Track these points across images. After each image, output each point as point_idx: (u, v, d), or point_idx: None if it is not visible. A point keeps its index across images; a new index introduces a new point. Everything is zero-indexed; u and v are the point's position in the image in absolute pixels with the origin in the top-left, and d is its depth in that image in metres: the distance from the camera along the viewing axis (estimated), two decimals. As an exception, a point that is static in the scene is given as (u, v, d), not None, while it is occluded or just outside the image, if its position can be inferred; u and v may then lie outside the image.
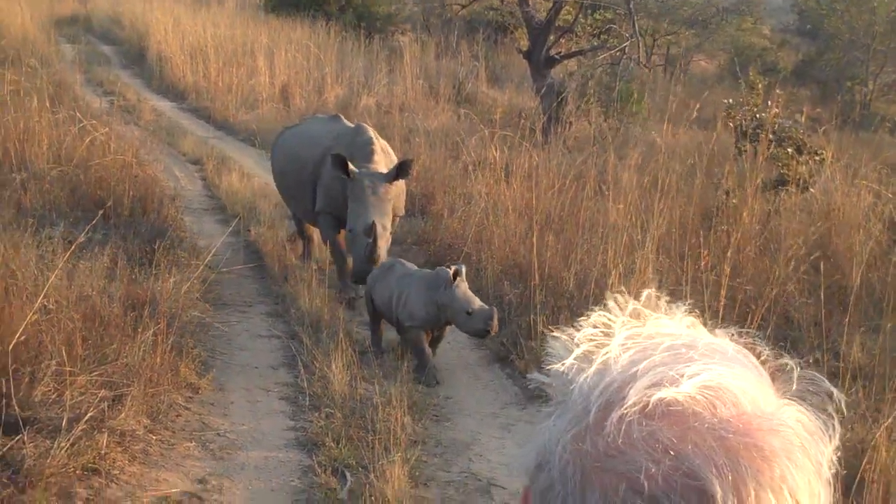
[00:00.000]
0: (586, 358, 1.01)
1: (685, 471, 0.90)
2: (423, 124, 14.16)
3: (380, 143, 8.90)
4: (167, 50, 20.19)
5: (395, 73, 18.38)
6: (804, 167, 10.84)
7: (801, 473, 0.93)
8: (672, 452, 0.91)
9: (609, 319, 1.05)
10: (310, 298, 8.19)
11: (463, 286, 7.13)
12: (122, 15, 25.65)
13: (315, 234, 9.72)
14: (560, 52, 17.32)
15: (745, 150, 11.20)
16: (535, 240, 8.42)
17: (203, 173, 13.07)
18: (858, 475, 5.29)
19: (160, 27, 21.33)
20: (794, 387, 1.01)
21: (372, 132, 8.91)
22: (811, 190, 10.62)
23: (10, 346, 5.58)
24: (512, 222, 9.42)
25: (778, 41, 29.50)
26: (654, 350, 0.99)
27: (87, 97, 15.06)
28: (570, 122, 14.17)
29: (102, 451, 5.50)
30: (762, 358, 1.04)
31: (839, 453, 0.98)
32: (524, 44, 19.37)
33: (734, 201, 9.39)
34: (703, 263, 7.96)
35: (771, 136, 10.87)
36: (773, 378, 1.02)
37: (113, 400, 5.94)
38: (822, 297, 7.29)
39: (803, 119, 12.20)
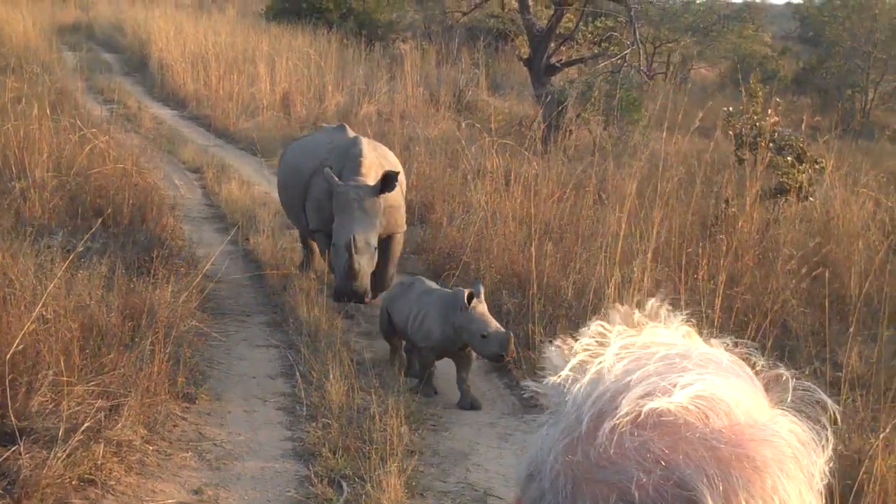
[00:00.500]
0: (581, 367, 1.00)
1: (676, 481, 0.89)
2: (424, 132, 14.18)
3: (374, 154, 8.64)
4: (168, 57, 20.23)
5: (396, 80, 18.40)
6: (804, 176, 10.85)
7: (792, 484, 0.92)
8: (663, 463, 0.90)
9: (605, 329, 1.04)
10: (308, 308, 8.16)
11: (481, 308, 6.90)
12: (125, 22, 25.69)
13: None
14: (561, 60, 17.39)
15: (745, 159, 11.20)
16: (533, 249, 8.41)
17: (203, 181, 13.07)
18: (856, 485, 5.28)
19: (162, 35, 21.37)
20: (789, 397, 1.00)
21: (365, 145, 8.64)
22: (811, 199, 10.62)
23: (8, 356, 5.58)
24: (511, 231, 9.41)
25: (779, 49, 29.56)
26: (649, 360, 0.98)
27: (88, 105, 15.09)
28: (571, 131, 14.17)
29: (99, 462, 5.50)
30: (757, 368, 1.03)
31: (832, 464, 0.97)
32: (525, 51, 19.43)
33: (733, 210, 9.39)
34: (701, 273, 7.96)
35: (770, 144, 10.87)
36: (768, 388, 1.01)
37: (110, 410, 5.93)
38: (826, 305, 7.28)
39: (803, 127, 12.20)
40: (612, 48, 18.26)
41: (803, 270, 8.17)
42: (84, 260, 7.65)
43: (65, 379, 5.79)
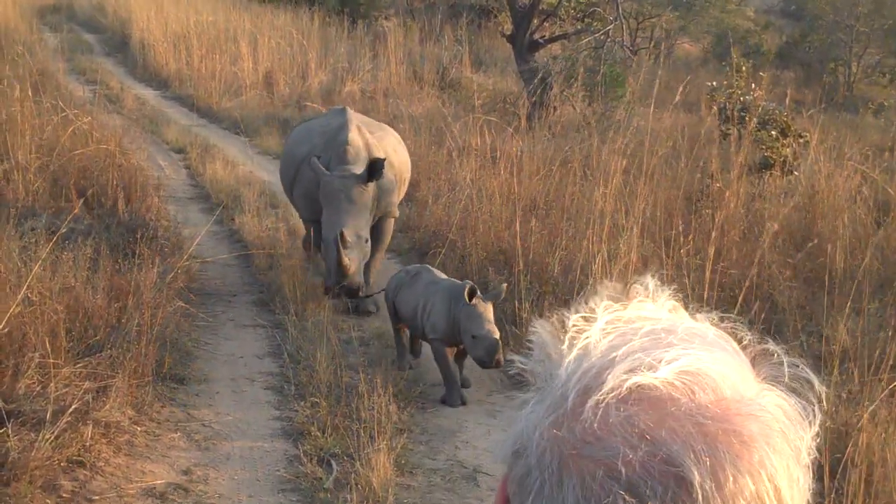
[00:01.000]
0: (568, 343, 1.00)
1: (663, 457, 0.89)
2: (408, 110, 14.12)
3: (363, 140, 8.28)
4: (150, 37, 20.08)
5: (380, 58, 18.30)
6: (788, 150, 10.86)
7: (779, 458, 0.93)
8: (649, 438, 0.90)
9: (593, 304, 1.04)
10: (295, 287, 8.13)
11: (481, 307, 6.53)
12: (105, 2, 25.47)
13: None
14: (544, 36, 17.29)
15: (730, 134, 11.19)
16: (518, 226, 8.39)
17: (187, 162, 13.01)
18: (844, 458, 5.31)
19: (143, 14, 21.19)
20: (775, 372, 1.00)
21: (353, 131, 8.25)
22: (795, 173, 10.63)
23: (-7, 339, 5.56)
24: (497, 208, 9.39)
25: (762, 23, 29.47)
26: (634, 335, 0.98)
27: (70, 86, 14.98)
28: (555, 107, 14.14)
29: (87, 443, 5.49)
30: (744, 343, 1.03)
31: (819, 438, 0.97)
32: (508, 28, 19.31)
33: (718, 185, 9.39)
34: (687, 248, 7.96)
35: (755, 118, 10.87)
36: (755, 363, 1.01)
37: (97, 391, 5.92)
38: (812, 279, 7.31)
39: (787, 101, 12.20)
40: (595, 24, 18.16)
41: (788, 244, 8.18)
42: (68, 242, 7.60)
43: (51, 361, 5.77)
